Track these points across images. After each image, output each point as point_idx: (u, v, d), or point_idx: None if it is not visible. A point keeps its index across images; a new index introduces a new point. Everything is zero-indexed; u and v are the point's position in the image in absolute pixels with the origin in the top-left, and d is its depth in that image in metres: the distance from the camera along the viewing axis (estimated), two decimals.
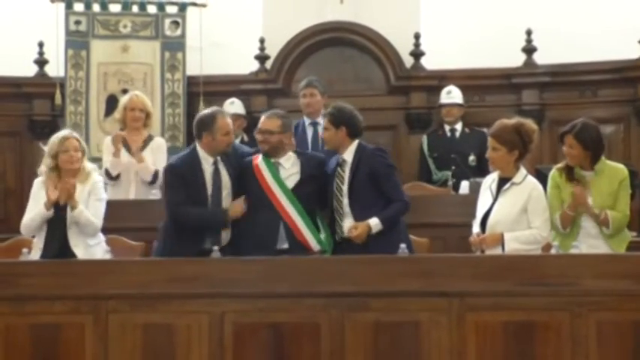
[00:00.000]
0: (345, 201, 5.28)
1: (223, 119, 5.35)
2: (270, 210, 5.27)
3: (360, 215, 5.23)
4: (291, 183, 5.34)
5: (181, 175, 5.31)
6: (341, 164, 5.35)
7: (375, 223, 5.18)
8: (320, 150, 6.58)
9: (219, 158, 5.34)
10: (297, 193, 5.31)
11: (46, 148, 5.44)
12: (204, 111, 5.58)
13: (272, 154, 5.38)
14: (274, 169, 5.34)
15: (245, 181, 5.39)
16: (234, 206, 5.32)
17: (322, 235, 5.30)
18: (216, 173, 5.33)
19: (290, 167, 5.40)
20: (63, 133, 5.51)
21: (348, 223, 5.25)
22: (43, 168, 5.42)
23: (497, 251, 4.91)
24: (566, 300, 4.31)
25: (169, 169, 5.42)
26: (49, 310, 4.46)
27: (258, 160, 5.40)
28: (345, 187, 5.28)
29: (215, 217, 5.28)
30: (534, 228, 4.97)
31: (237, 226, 5.32)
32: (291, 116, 5.68)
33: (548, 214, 5.03)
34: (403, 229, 5.32)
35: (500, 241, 4.94)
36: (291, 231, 5.25)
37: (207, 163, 5.33)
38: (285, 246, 5.22)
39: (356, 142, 5.37)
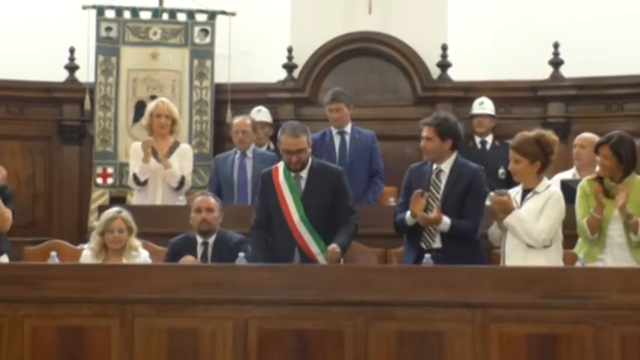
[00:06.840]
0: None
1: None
2: (285, 230, 5.28)
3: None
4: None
5: None
6: (437, 174, 5.27)
7: (446, 220, 5.10)
8: (347, 159, 6.60)
9: None
10: (304, 203, 5.29)
11: (96, 223, 5.64)
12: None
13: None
14: (293, 183, 5.32)
15: (266, 192, 5.39)
16: None
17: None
18: None
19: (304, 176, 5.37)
20: (112, 212, 5.55)
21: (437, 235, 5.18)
22: (91, 243, 5.58)
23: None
24: (590, 313, 4.30)
25: None
26: (75, 313, 4.49)
27: (280, 175, 5.36)
28: (440, 196, 5.20)
29: None
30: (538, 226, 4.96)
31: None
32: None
33: (556, 225, 4.99)
34: (483, 254, 5.30)
35: (511, 210, 4.95)
36: (306, 255, 5.24)
37: None
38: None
39: (455, 154, 5.29)
